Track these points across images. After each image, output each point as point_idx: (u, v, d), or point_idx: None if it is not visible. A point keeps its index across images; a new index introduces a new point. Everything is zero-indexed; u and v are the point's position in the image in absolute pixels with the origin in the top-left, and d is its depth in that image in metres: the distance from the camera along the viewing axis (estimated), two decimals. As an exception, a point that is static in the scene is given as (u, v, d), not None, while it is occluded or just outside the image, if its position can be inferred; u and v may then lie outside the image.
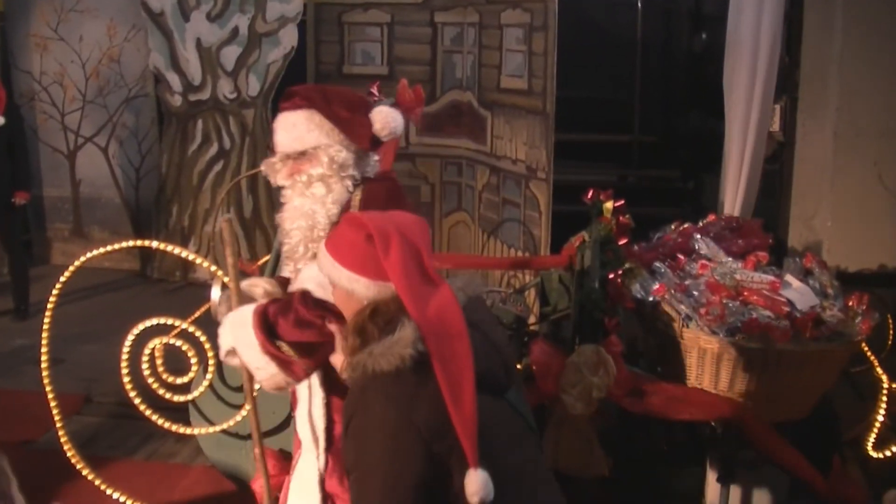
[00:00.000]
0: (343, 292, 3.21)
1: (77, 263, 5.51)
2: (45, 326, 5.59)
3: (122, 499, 5.58)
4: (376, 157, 4.31)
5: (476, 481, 2.86)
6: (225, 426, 5.55)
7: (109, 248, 5.69)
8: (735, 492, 5.68)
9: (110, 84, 11.53)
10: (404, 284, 3.04)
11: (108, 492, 5.57)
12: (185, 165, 11.15)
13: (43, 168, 11.84)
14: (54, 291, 5.57)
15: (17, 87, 11.61)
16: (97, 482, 5.58)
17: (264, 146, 10.41)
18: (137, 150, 11.60)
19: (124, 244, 5.85)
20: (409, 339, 2.96)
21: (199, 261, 5.75)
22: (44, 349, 5.58)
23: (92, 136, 11.70)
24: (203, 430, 5.60)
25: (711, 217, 6.50)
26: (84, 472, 5.60)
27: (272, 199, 10.53)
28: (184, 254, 5.80)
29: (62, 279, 5.52)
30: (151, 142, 11.51)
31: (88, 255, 5.56)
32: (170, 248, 5.83)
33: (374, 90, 6.14)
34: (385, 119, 4.31)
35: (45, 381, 5.61)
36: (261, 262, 6.07)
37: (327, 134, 4.13)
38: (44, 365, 5.59)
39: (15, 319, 9.83)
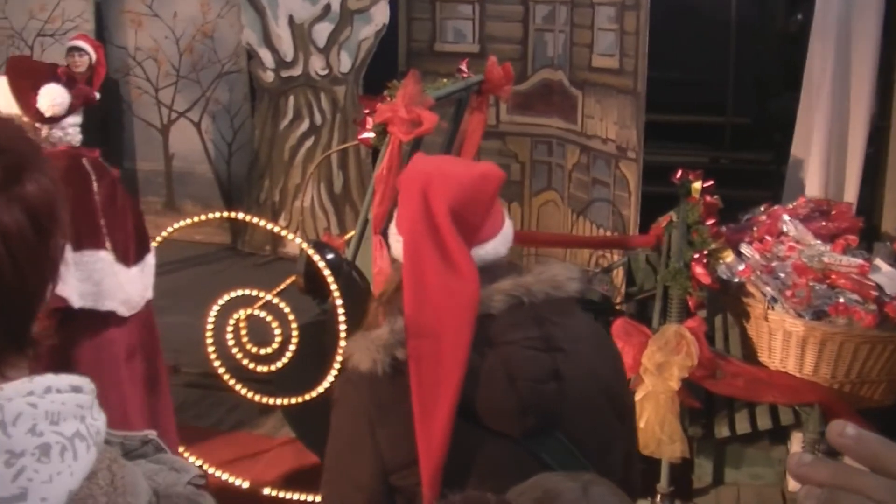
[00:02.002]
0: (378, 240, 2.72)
1: (165, 234, 5.57)
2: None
3: (204, 466, 5.62)
4: (44, 133, 4.45)
5: None
6: (307, 397, 5.56)
7: (196, 218, 5.76)
8: (818, 477, 5.60)
9: (204, 60, 11.62)
10: (409, 259, 2.50)
11: (192, 459, 5.63)
12: (277, 141, 11.22)
13: (137, 142, 11.97)
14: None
15: (113, 63, 11.72)
16: (180, 449, 5.64)
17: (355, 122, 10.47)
18: (230, 125, 11.70)
19: (211, 215, 5.90)
20: (383, 341, 2.46)
21: (284, 233, 5.78)
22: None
23: (185, 111, 11.80)
24: (286, 401, 5.62)
25: (801, 199, 6.41)
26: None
27: (362, 174, 10.58)
28: (269, 226, 5.84)
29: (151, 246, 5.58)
30: (243, 117, 11.60)
31: (176, 225, 5.61)
32: (256, 220, 5.87)
33: (463, 67, 6.14)
34: (47, 96, 4.42)
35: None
36: (347, 236, 6.07)
37: (10, 103, 4.27)
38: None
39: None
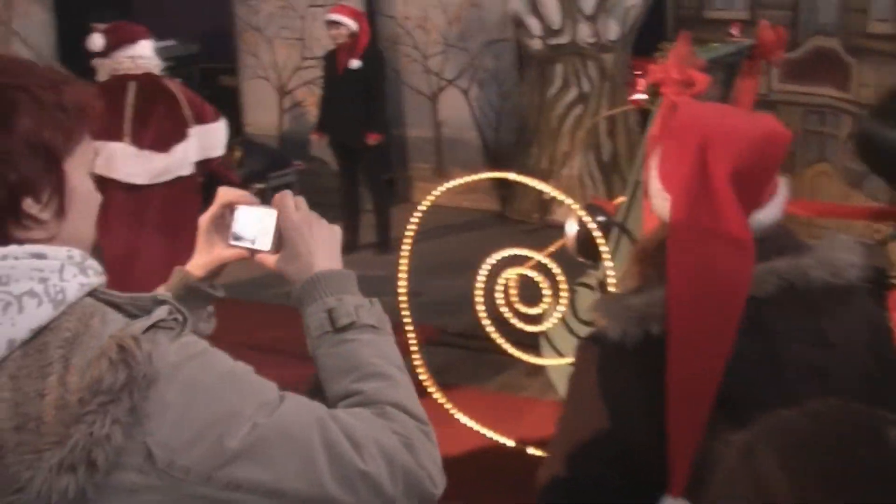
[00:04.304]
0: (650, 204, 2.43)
1: (436, 192, 5.63)
2: (405, 255, 5.74)
3: (469, 423, 5.69)
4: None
5: None
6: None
7: (467, 178, 5.82)
8: None
9: (472, 28, 11.71)
10: (677, 223, 2.25)
11: (457, 416, 5.69)
12: (545, 109, 11.22)
13: (406, 109, 12.17)
14: (413, 220, 5.71)
15: (383, 32, 11.94)
16: (447, 406, 5.71)
17: (623, 90, 10.36)
18: (497, 92, 11.77)
19: (478, 176, 5.99)
20: (638, 311, 2.24)
21: (554, 193, 5.76)
22: (402, 278, 5.73)
23: (454, 79, 11.93)
24: (554, 361, 5.63)
25: None
26: (435, 396, 5.74)
27: (631, 142, 10.47)
28: (539, 185, 5.85)
29: (421, 208, 5.66)
30: (511, 85, 11.66)
31: (447, 185, 5.68)
32: (526, 180, 5.90)
33: (734, 31, 6.04)
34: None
35: (404, 310, 5.77)
36: (617, 201, 6.04)
37: None
38: (402, 291, 5.74)
39: (377, 253, 10.24)
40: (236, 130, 12.41)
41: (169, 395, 1.63)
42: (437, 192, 5.62)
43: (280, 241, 2.04)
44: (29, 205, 1.67)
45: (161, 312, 1.69)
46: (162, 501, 1.63)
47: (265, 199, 2.06)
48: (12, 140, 1.64)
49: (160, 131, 6.69)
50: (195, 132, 6.85)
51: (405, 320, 5.78)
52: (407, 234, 5.72)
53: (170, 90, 6.90)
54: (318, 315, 1.94)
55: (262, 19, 12.72)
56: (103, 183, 6.31)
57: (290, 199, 2.06)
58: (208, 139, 6.98)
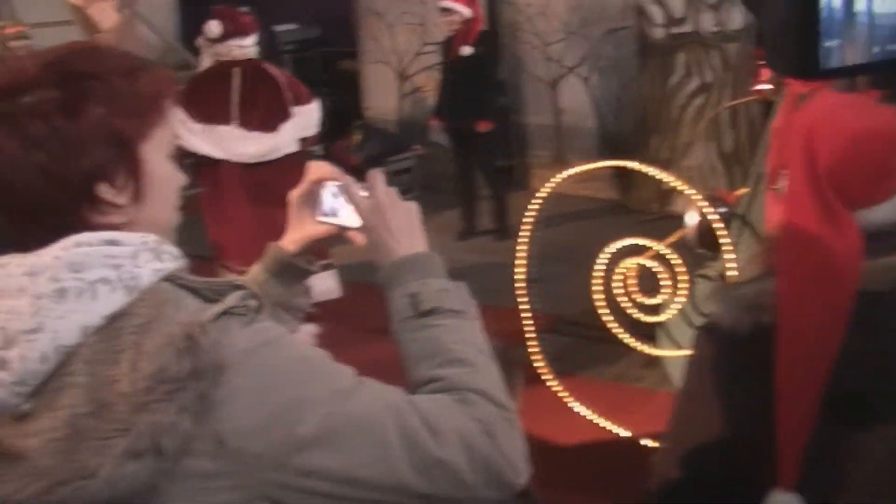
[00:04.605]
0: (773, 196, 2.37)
1: (556, 180, 5.62)
2: (524, 243, 5.73)
3: (584, 412, 5.67)
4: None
5: None
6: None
7: (587, 166, 5.81)
8: None
9: (593, 16, 11.63)
10: (787, 214, 2.22)
11: (572, 405, 5.68)
12: (666, 98, 11.09)
13: (526, 96, 12.14)
14: (532, 208, 5.70)
15: (504, 18, 11.93)
16: (562, 394, 5.70)
17: (746, 81, 10.21)
18: (618, 81, 11.67)
19: (599, 164, 5.96)
20: (748, 300, 2.26)
21: (673, 182, 5.70)
22: (520, 266, 5.72)
23: (574, 67, 11.87)
24: (670, 352, 5.59)
25: None
26: (550, 384, 5.73)
27: (753, 134, 10.32)
28: (661, 176, 5.79)
29: (540, 195, 5.66)
30: (632, 74, 11.54)
31: (566, 172, 5.66)
32: (647, 169, 5.84)
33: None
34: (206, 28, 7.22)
35: (522, 297, 5.76)
36: (738, 193, 5.97)
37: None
38: (520, 278, 5.74)
39: (494, 239, 10.27)
40: (356, 114, 12.52)
41: (240, 381, 1.63)
42: (556, 180, 5.61)
43: None
44: (104, 190, 1.69)
45: (233, 299, 1.68)
46: (235, 487, 1.64)
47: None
48: (84, 127, 1.66)
49: (266, 113, 7.05)
50: (296, 112, 7.20)
51: (523, 308, 5.78)
52: (526, 221, 5.71)
53: (271, 74, 7.22)
54: (401, 300, 1.92)
55: (384, 4, 12.80)
56: (216, 164, 7.05)
57: (357, 189, 2.03)
58: (306, 119, 7.32)
